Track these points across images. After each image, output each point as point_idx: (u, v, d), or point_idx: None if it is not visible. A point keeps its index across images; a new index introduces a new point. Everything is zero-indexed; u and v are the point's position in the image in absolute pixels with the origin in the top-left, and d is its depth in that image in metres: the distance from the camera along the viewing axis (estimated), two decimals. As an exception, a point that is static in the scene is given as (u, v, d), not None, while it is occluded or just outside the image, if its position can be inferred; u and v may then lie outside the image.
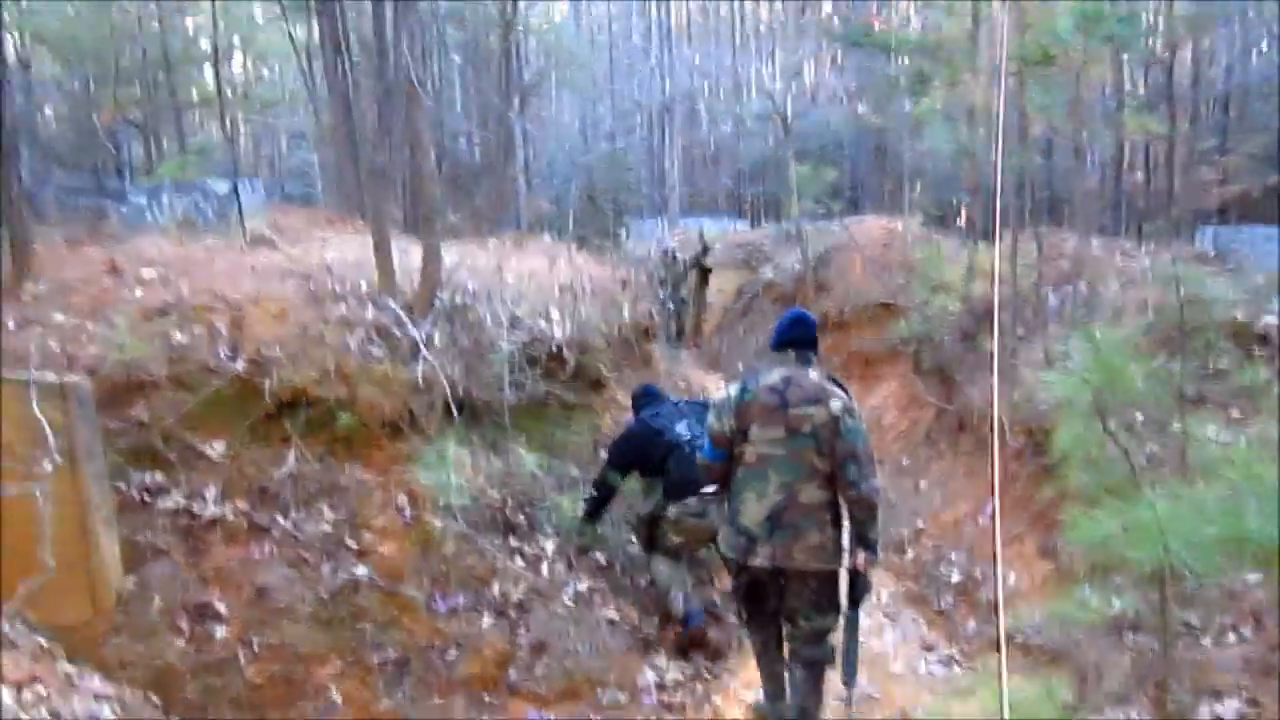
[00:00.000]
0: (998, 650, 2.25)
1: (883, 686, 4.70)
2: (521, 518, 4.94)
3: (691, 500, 4.70)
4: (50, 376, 3.69)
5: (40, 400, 3.39)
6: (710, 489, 4.12)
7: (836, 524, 3.75)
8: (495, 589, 4.45)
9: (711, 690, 4.60)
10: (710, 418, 3.96)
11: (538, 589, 4.59)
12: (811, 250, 12.19)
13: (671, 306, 11.90)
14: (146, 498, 4.04)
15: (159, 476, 4.11)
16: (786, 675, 4.01)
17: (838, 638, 3.82)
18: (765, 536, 3.71)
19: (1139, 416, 4.95)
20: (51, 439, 3.04)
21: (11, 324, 4.28)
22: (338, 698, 3.84)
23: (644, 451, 5.04)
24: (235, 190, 8.55)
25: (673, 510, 4.85)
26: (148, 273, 5.08)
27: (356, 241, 6.39)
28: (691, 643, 4.83)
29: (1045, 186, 11.01)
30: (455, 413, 4.77)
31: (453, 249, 6.27)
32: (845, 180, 18.60)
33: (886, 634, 5.51)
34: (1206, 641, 3.77)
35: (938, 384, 8.45)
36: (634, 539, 5.30)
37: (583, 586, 4.80)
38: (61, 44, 13.49)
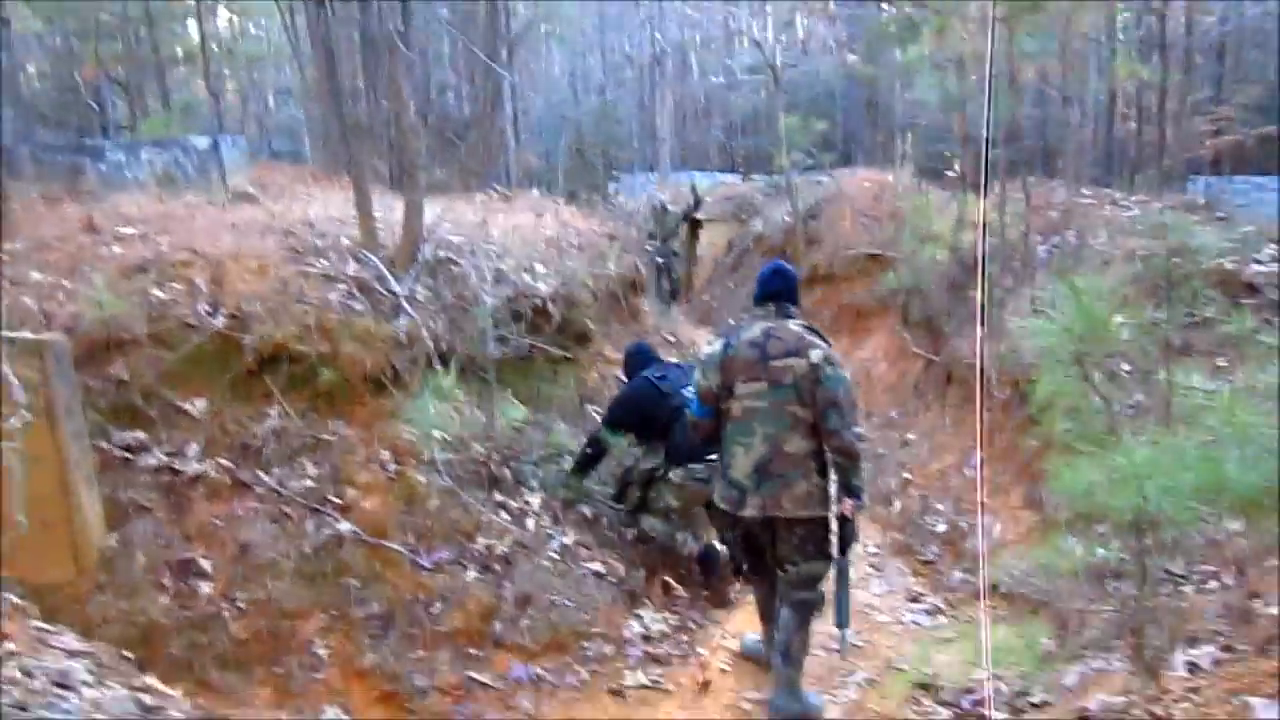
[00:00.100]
0: (979, 600, 2.26)
1: (868, 636, 4.75)
2: (506, 472, 4.94)
3: (698, 465, 4.68)
4: (26, 334, 3.65)
5: (16, 358, 3.35)
6: (714, 456, 4.11)
7: (823, 472, 3.80)
8: (480, 543, 4.45)
9: (696, 641, 4.63)
10: (696, 375, 4.04)
11: (523, 543, 4.59)
12: (801, 203, 12.12)
13: (662, 260, 11.82)
14: (128, 455, 4.02)
15: (140, 434, 4.09)
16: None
17: (829, 584, 3.87)
18: (754, 488, 3.76)
19: (1124, 366, 4.95)
20: (21, 395, 3.00)
21: (-13, 282, 4.23)
22: (323, 652, 3.85)
23: (648, 413, 4.98)
24: (216, 146, 8.45)
25: (677, 474, 4.85)
26: (126, 230, 5.02)
27: (340, 198, 6.32)
28: (710, 571, 5.01)
29: (1037, 136, 10.91)
30: (439, 366, 4.75)
31: (438, 204, 6.22)
32: (836, 132, 18.43)
33: (873, 584, 5.55)
34: (1188, 589, 3.79)
35: (926, 336, 8.45)
36: (616, 502, 5.25)
37: (568, 540, 4.81)
38: (42, -2, 13.30)
